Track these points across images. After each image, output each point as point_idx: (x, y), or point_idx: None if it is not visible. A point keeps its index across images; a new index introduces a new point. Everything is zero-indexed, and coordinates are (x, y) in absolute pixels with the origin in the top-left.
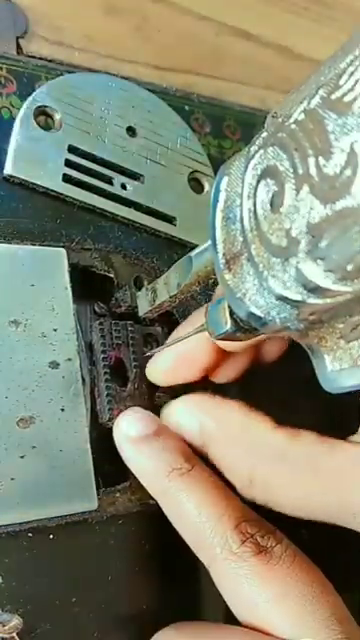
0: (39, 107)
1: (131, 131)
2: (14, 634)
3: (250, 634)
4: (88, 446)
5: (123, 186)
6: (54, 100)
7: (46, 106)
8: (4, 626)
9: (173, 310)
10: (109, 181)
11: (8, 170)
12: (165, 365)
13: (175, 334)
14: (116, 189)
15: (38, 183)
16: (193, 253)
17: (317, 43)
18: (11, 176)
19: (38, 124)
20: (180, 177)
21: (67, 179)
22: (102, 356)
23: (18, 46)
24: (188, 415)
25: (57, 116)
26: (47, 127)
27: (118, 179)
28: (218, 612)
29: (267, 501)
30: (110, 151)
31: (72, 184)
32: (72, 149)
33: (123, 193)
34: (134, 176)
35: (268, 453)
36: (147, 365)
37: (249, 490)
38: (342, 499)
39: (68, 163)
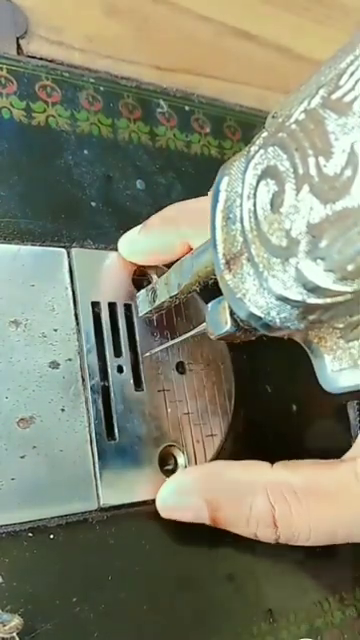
0: None
1: None
2: (14, 634)
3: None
4: (88, 446)
5: None
6: None
7: None
8: (4, 626)
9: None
10: None
11: None
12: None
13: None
14: None
15: None
16: (193, 253)
17: (317, 43)
18: None
19: None
20: None
21: None
22: None
23: (18, 46)
24: (186, 496)
25: None
26: None
27: None
28: (219, 609)
29: (291, 538)
30: None
31: None
32: None
33: None
34: None
35: (277, 490)
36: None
37: (272, 533)
38: (350, 514)
39: None
